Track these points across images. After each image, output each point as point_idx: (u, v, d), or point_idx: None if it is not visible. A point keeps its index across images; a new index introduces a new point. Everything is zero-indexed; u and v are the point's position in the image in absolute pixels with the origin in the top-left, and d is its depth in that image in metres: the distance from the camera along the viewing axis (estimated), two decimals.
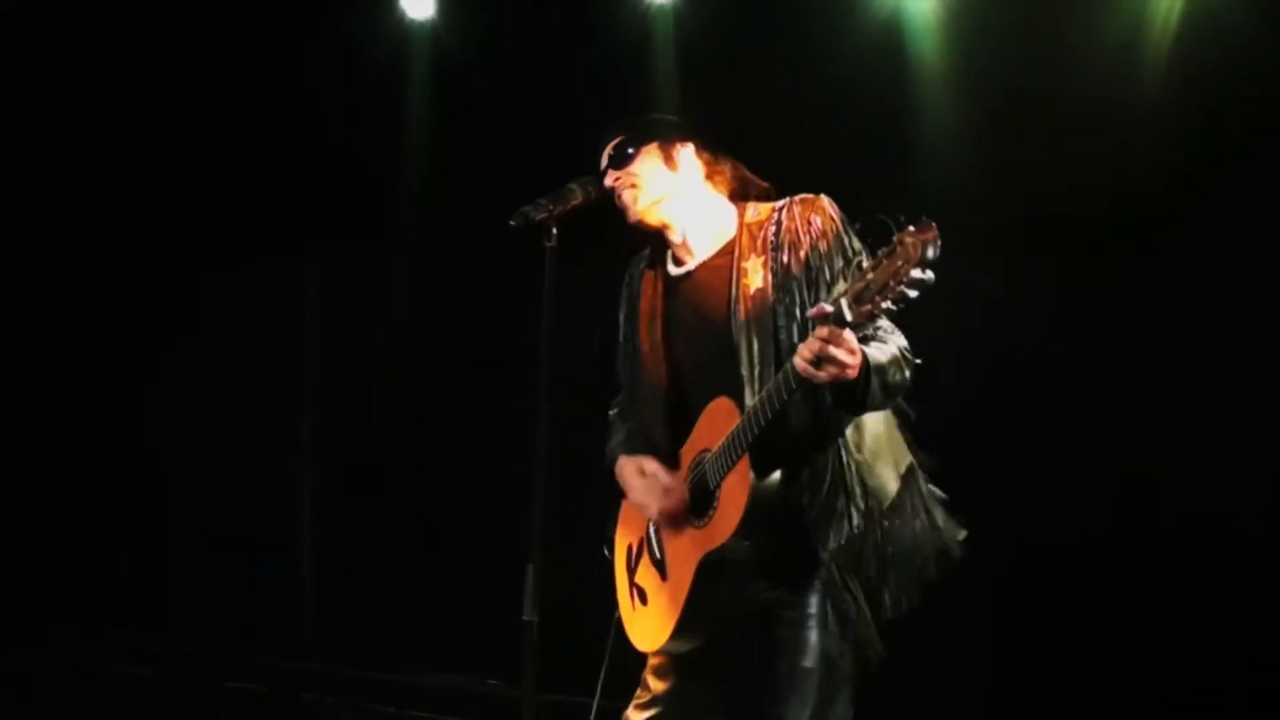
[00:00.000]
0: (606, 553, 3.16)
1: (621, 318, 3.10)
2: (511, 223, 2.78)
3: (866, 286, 2.42)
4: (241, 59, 5.96)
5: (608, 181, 2.93)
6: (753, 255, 2.82)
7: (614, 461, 3.05)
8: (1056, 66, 4.52)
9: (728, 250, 2.88)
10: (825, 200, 2.83)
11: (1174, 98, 4.37)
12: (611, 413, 3.18)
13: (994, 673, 4.63)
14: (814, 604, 2.75)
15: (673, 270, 2.97)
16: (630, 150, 2.92)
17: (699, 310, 2.89)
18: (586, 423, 3.22)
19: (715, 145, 2.99)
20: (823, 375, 2.52)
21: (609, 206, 2.97)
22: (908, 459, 2.83)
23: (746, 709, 2.85)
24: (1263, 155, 4.28)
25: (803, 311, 2.73)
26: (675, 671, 2.95)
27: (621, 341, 3.11)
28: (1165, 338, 4.42)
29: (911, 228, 2.39)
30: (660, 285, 2.98)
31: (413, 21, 5.67)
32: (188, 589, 6.27)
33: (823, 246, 2.77)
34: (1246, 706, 4.26)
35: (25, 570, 6.45)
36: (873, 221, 2.47)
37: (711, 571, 2.76)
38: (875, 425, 2.79)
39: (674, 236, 2.95)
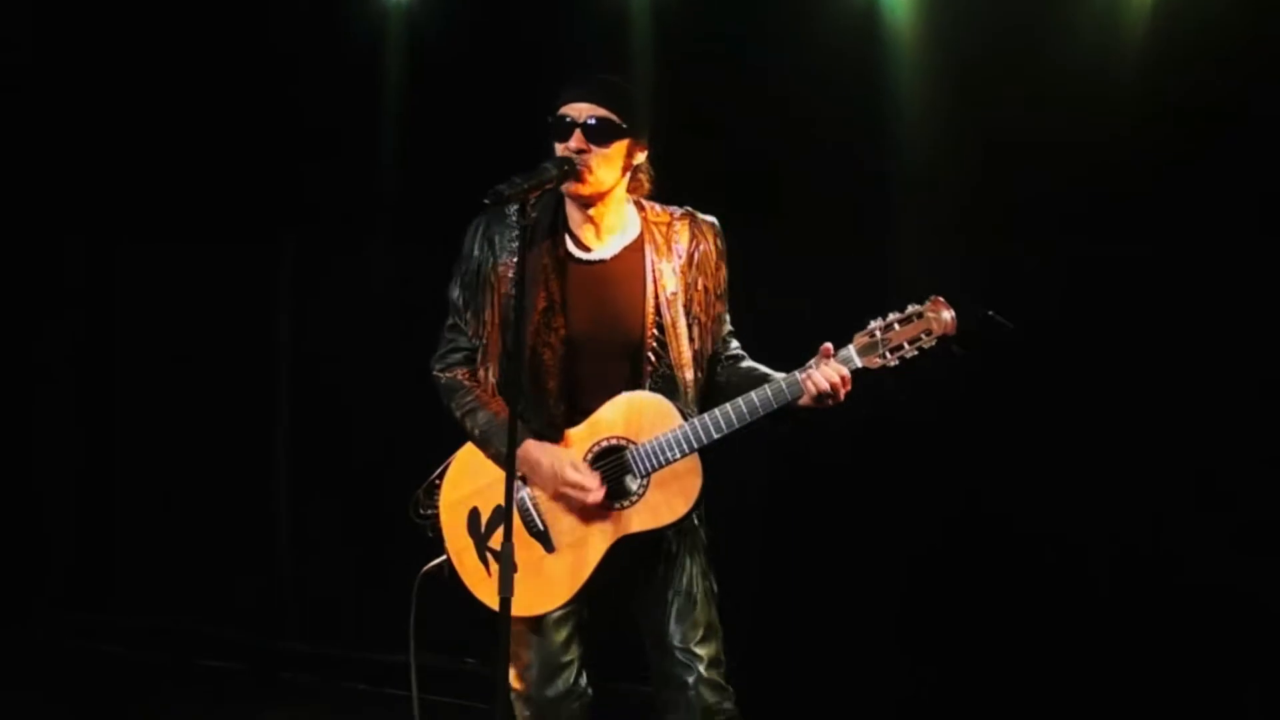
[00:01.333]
0: (415, 518, 3.26)
1: (476, 270, 3.08)
2: (486, 200, 2.80)
3: (881, 341, 2.83)
4: (217, 39, 5.92)
5: (574, 143, 2.93)
6: (663, 258, 3.02)
7: (494, 430, 3.02)
8: (1035, 46, 4.53)
9: (637, 247, 3.04)
10: (718, 224, 3.12)
11: (1153, 75, 4.39)
12: (450, 375, 3.14)
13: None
14: (689, 547, 3.11)
15: (576, 253, 3.04)
16: (609, 134, 2.94)
17: (605, 302, 3.01)
18: None
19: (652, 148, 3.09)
20: (815, 405, 2.87)
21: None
22: None
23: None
24: (1241, 133, 4.30)
25: (699, 313, 3.04)
26: (552, 630, 3.11)
27: (483, 305, 3.08)
28: (1140, 319, 4.45)
29: (929, 301, 2.81)
30: (557, 264, 3.01)
31: (389, 2, 5.64)
32: (163, 566, 6.26)
33: (724, 270, 3.10)
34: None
35: (5, 550, 6.43)
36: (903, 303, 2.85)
37: (625, 548, 2.98)
38: None
39: (589, 220, 3.02)
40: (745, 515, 4.67)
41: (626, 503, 2.96)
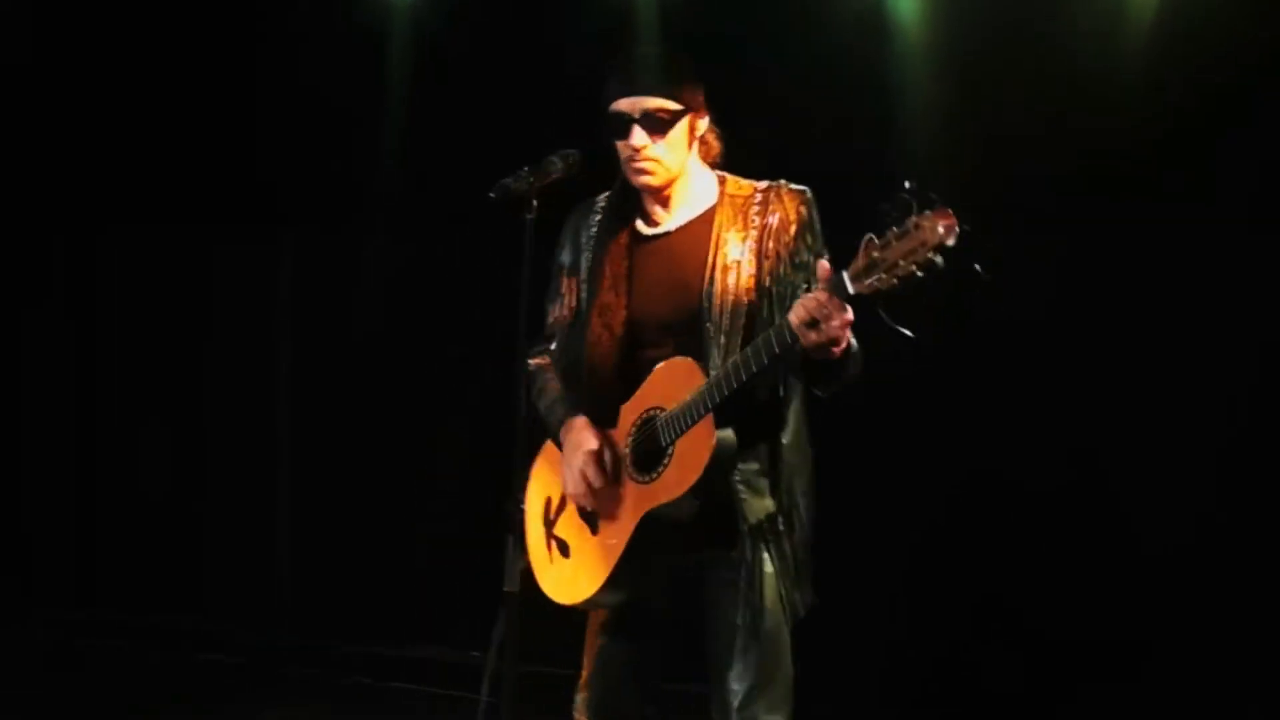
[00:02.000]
0: (512, 510, 3.06)
1: (566, 263, 3.00)
2: (491, 195, 2.76)
3: (873, 263, 2.43)
4: (221, 32, 5.93)
5: (635, 141, 2.80)
6: (733, 228, 2.83)
7: (562, 421, 2.92)
8: (1038, 43, 4.54)
9: (707, 218, 2.87)
10: (810, 194, 2.86)
11: (1158, 68, 4.40)
12: (535, 362, 3.05)
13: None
14: (746, 563, 2.80)
15: (644, 229, 2.92)
16: (667, 122, 2.80)
17: (672, 272, 2.86)
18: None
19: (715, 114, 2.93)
20: (813, 337, 2.53)
21: (588, 179, 2.92)
22: (811, 469, 2.89)
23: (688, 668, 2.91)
24: (1243, 131, 4.31)
25: (776, 289, 2.78)
26: (604, 634, 2.96)
27: (564, 292, 3.01)
28: (1140, 312, 4.46)
29: (929, 211, 2.38)
30: (628, 243, 2.91)
31: None
32: (162, 561, 6.27)
33: (806, 238, 2.82)
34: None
35: (1, 546, 6.43)
36: (895, 199, 2.43)
37: (653, 527, 2.79)
38: (798, 422, 2.86)
39: (660, 198, 2.90)
40: None
41: (653, 475, 2.78)
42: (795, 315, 2.55)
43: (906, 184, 2.42)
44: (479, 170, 3.02)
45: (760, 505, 2.82)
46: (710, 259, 2.82)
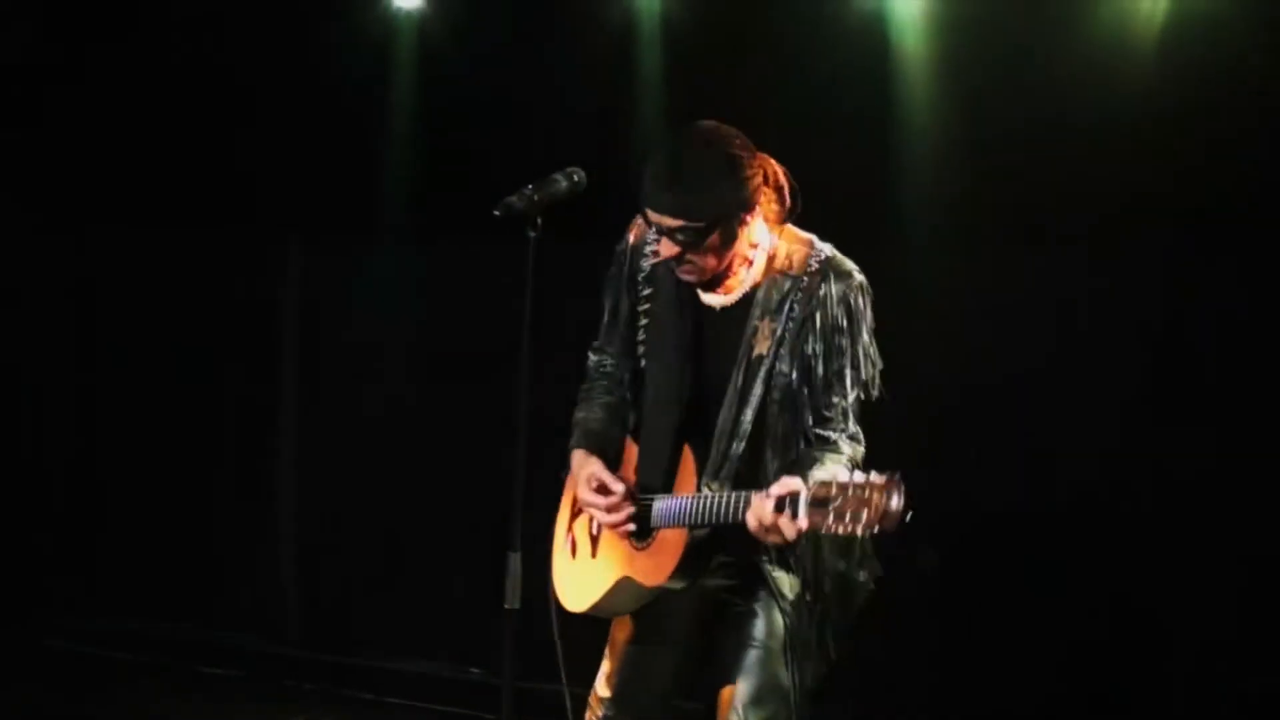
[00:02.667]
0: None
1: (619, 301, 2.98)
2: (496, 212, 2.76)
3: (826, 502, 2.41)
4: (229, 42, 5.95)
5: (664, 251, 2.73)
6: (767, 316, 2.76)
7: (572, 445, 2.96)
8: (1041, 64, 4.55)
9: (749, 299, 2.80)
10: (860, 281, 2.77)
11: (1159, 95, 4.40)
12: (593, 358, 3.06)
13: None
14: (765, 587, 2.82)
15: (704, 296, 2.85)
16: (698, 238, 2.70)
17: (709, 351, 2.84)
18: (569, 410, 3.22)
19: (770, 173, 2.80)
20: (766, 537, 2.57)
21: (591, 196, 2.90)
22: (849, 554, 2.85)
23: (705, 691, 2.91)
24: (1246, 151, 4.32)
25: (795, 392, 2.74)
26: (626, 641, 2.98)
27: (618, 327, 3.00)
28: (1147, 334, 4.47)
29: (883, 479, 2.37)
30: (689, 305, 2.85)
31: (400, 10, 5.66)
32: (166, 572, 6.27)
33: (841, 339, 2.75)
34: None
35: (4, 554, 6.42)
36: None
37: (627, 588, 2.84)
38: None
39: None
40: None
41: (640, 545, 2.84)
42: (753, 516, 2.55)
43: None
44: (486, 183, 3.03)
45: (788, 583, 2.82)
46: (741, 351, 2.77)
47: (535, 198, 2.78)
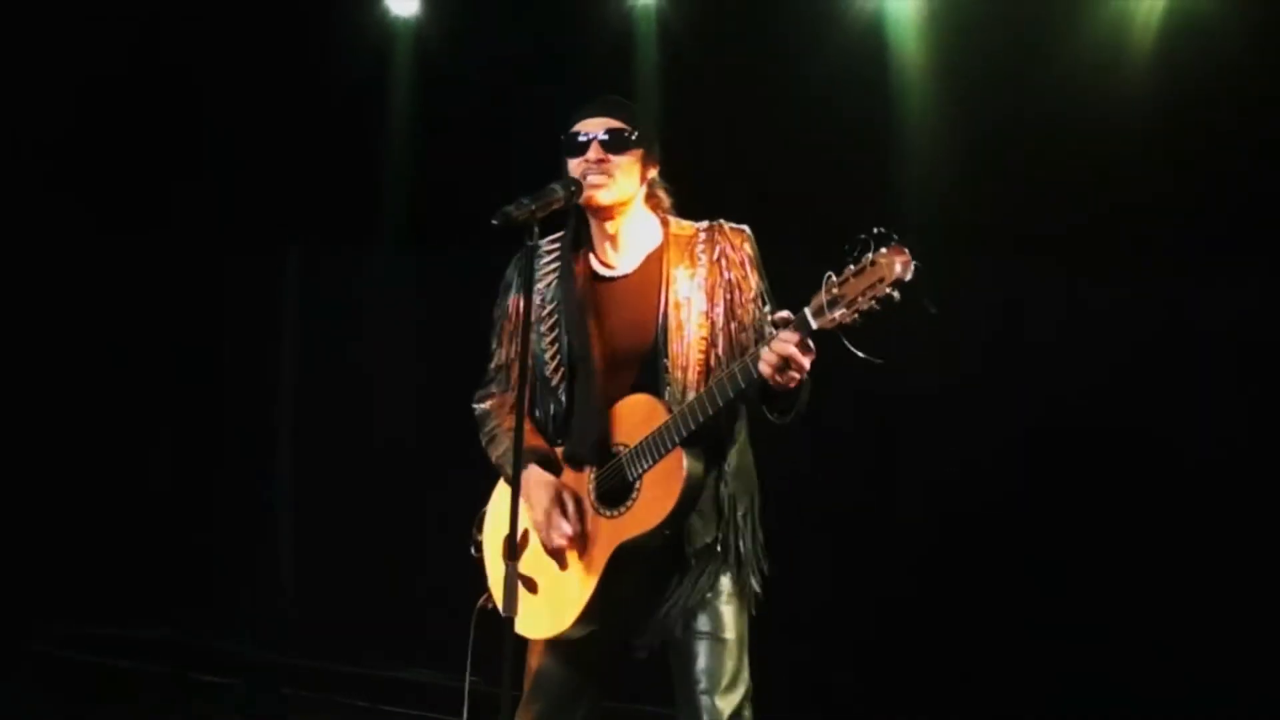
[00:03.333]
0: (474, 552, 3.18)
1: (513, 306, 3.10)
2: (494, 221, 2.78)
3: (834, 299, 2.60)
4: (227, 53, 5.95)
5: (593, 154, 2.95)
6: (680, 265, 2.99)
7: (510, 466, 2.95)
8: (1038, 67, 4.55)
9: (656, 258, 3.02)
10: (750, 232, 3.04)
11: (1155, 98, 4.41)
12: (484, 405, 3.19)
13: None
14: (713, 583, 2.95)
15: (601, 271, 3.05)
16: (624, 144, 2.97)
17: (625, 314, 2.99)
18: None
19: (664, 170, 3.09)
20: (781, 378, 2.70)
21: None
22: (756, 492, 3.04)
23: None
24: (1247, 150, 4.32)
25: (726, 321, 2.95)
26: (544, 658, 3.04)
27: (512, 333, 3.12)
28: (1147, 342, 4.47)
29: (884, 249, 2.57)
30: (585, 283, 3.03)
31: (397, 18, 5.67)
32: (165, 580, 6.27)
33: (751, 275, 2.99)
34: None
35: (5, 563, 6.41)
36: (854, 240, 2.59)
37: (625, 558, 2.90)
38: (744, 452, 3.02)
39: (608, 237, 3.04)
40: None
41: (622, 509, 2.91)
42: (767, 360, 2.70)
43: (876, 229, 2.59)
44: (485, 190, 3.04)
45: (705, 532, 2.96)
46: (663, 296, 2.97)
47: (533, 207, 2.81)
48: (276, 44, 5.86)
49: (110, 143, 6.24)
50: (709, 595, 2.94)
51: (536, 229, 2.82)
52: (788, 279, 3.19)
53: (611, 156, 2.96)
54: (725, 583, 2.96)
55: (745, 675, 2.95)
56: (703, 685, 2.90)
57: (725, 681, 2.91)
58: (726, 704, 2.90)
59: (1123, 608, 4.49)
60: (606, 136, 2.97)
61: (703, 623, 2.93)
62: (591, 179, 2.95)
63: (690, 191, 3.19)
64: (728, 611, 2.95)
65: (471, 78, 5.52)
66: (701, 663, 2.92)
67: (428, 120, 5.68)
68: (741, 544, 2.99)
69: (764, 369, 2.70)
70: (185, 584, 6.22)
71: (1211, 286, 4.43)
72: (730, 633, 2.94)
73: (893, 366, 2.69)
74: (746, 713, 2.93)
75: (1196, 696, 4.34)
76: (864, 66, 4.78)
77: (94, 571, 6.49)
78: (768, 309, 2.94)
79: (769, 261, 3.08)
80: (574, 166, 2.98)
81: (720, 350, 2.95)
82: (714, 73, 5.00)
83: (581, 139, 2.98)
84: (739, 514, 2.99)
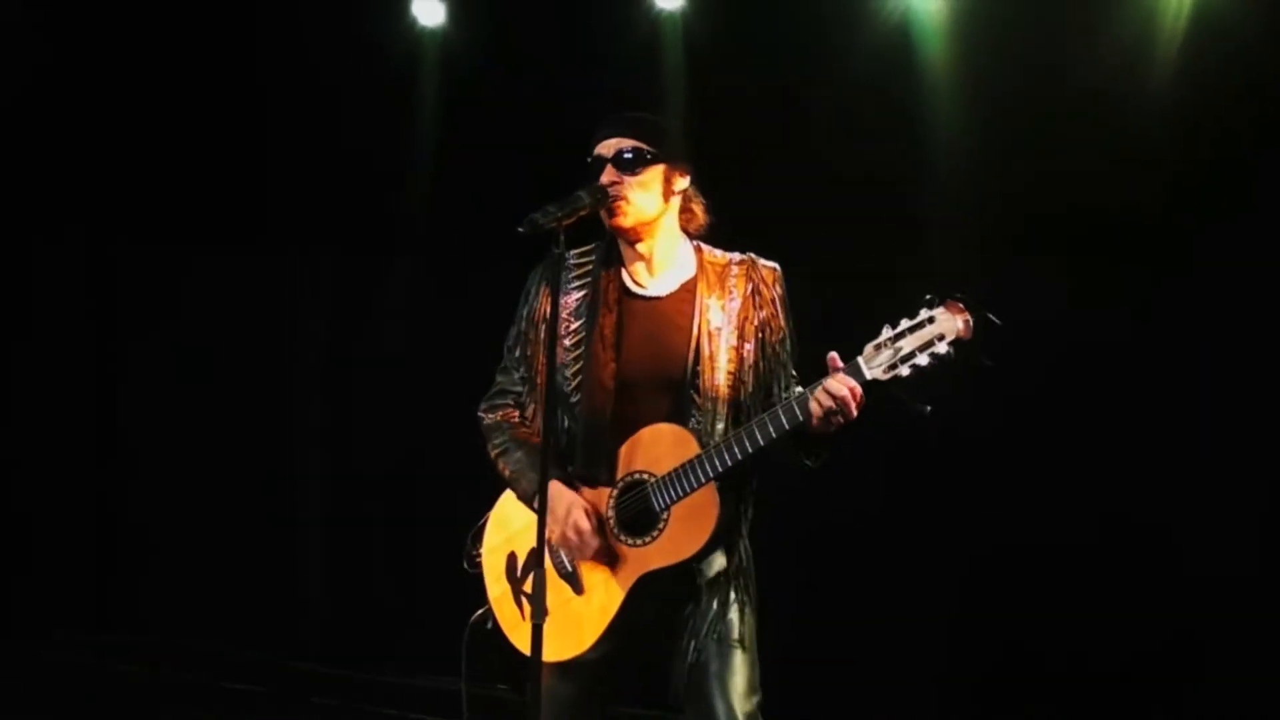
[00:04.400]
0: (469, 568, 3.16)
1: (533, 315, 3.08)
2: (521, 229, 2.78)
3: (892, 350, 2.64)
4: (254, 63, 5.99)
5: (605, 178, 2.95)
6: (713, 295, 2.98)
7: (535, 484, 2.91)
8: (1065, 66, 4.53)
9: (690, 286, 3.01)
10: (781, 272, 3.04)
11: (1183, 97, 4.38)
12: (493, 416, 3.14)
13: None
14: (725, 598, 2.96)
15: (634, 288, 3.03)
16: (638, 163, 2.95)
17: (657, 339, 2.97)
18: None
19: (699, 180, 3.07)
20: (824, 422, 2.72)
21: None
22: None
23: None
24: (1273, 157, 4.29)
25: (757, 360, 2.96)
26: (564, 679, 3.01)
27: (530, 343, 3.09)
28: (1170, 342, 4.43)
29: (942, 307, 2.61)
30: (617, 298, 3.01)
31: (424, 28, 5.68)
32: (187, 587, 6.29)
33: (780, 316, 3.01)
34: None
35: (20, 569, 6.45)
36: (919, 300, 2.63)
37: (647, 587, 2.89)
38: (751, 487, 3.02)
39: (641, 257, 3.02)
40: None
41: (648, 538, 2.89)
42: (818, 401, 2.71)
43: (930, 295, 2.62)
44: (509, 196, 3.05)
45: (716, 560, 2.97)
46: (695, 325, 2.96)
47: (560, 215, 2.80)
48: (303, 54, 5.89)
49: (129, 150, 6.28)
50: (721, 609, 2.95)
51: (563, 237, 2.81)
52: (816, 283, 3.20)
53: (625, 177, 2.95)
54: (735, 595, 2.97)
55: (758, 682, 2.96)
56: (719, 692, 2.90)
57: (743, 687, 2.92)
58: (744, 709, 2.91)
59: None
60: (618, 157, 2.95)
61: (717, 633, 2.93)
62: (612, 203, 2.94)
63: (716, 201, 3.18)
64: (739, 621, 2.96)
65: (498, 86, 5.53)
66: (717, 669, 2.92)
67: (454, 129, 5.69)
68: (748, 566, 3.02)
69: (814, 408, 2.71)
70: (210, 592, 6.24)
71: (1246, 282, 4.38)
72: (744, 641, 2.95)
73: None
74: (759, 716, 2.94)
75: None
76: (891, 65, 4.76)
77: (116, 580, 6.53)
78: (790, 355, 2.99)
79: (798, 268, 3.09)
80: None
81: (749, 388, 2.96)
82: (740, 81, 4.99)
83: (598, 160, 2.98)
84: (743, 545, 3.01)
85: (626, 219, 2.96)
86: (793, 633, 3.20)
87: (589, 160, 3.00)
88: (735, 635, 2.95)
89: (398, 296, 5.96)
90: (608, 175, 2.95)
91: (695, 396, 2.92)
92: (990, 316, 2.59)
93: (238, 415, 6.31)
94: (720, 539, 2.91)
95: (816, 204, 4.74)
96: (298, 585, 6.16)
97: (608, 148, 2.98)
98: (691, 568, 2.95)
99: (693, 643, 2.94)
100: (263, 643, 6.08)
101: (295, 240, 6.12)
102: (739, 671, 2.93)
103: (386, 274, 5.98)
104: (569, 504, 2.92)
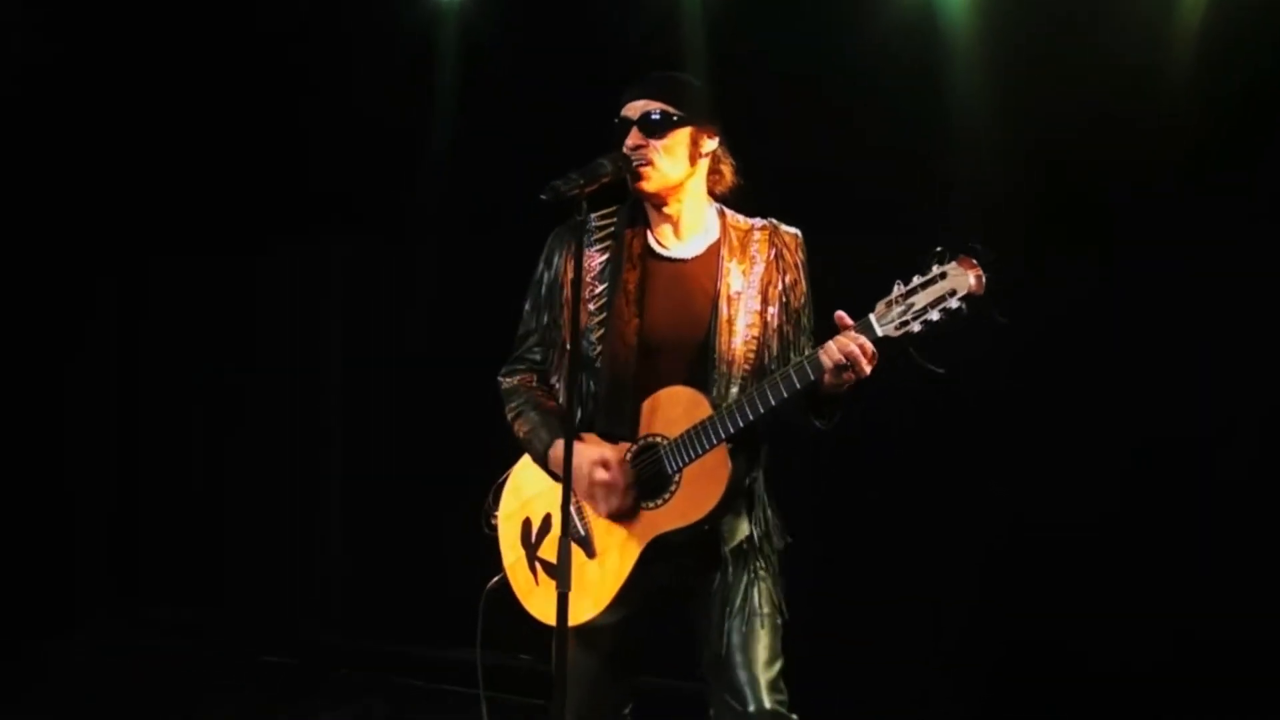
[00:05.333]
0: (487, 530, 3.18)
1: (554, 280, 3.08)
2: (543, 197, 2.78)
3: (903, 308, 2.61)
4: (267, 44, 5.98)
5: (630, 141, 2.93)
6: (734, 259, 2.98)
7: (548, 443, 3.00)
8: (1088, 41, 4.50)
9: (714, 250, 3.01)
10: (802, 238, 3.05)
11: (1209, 67, 4.34)
12: (512, 380, 3.14)
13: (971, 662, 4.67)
14: (732, 580, 2.98)
15: (659, 250, 3.02)
16: (665, 126, 2.94)
17: (681, 301, 2.98)
18: None
19: (727, 140, 3.06)
20: (836, 379, 2.71)
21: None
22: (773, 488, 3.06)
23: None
24: None
25: (780, 324, 2.97)
26: (584, 648, 3.03)
27: (548, 308, 3.09)
28: (1196, 314, 4.40)
29: (955, 262, 2.58)
30: (640, 256, 3.00)
31: (441, 3, 5.67)
32: (217, 562, 6.34)
33: (802, 282, 3.01)
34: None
35: (53, 551, 6.50)
36: (928, 250, 2.61)
37: (658, 550, 2.91)
38: (767, 451, 3.04)
39: (667, 220, 3.02)
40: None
41: (659, 501, 2.90)
42: (829, 357, 2.70)
43: (939, 248, 2.60)
44: (526, 178, 3.04)
45: (739, 530, 2.98)
46: (719, 288, 2.95)
47: (582, 183, 2.80)
48: (317, 31, 5.89)
49: (144, 138, 6.29)
50: (746, 580, 2.97)
51: (585, 205, 2.81)
52: (832, 255, 3.19)
53: (651, 140, 2.93)
54: (758, 565, 2.99)
55: (779, 650, 2.98)
56: (742, 662, 2.93)
57: (765, 656, 2.94)
58: (766, 677, 2.93)
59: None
60: (644, 120, 2.93)
61: (741, 605, 2.95)
62: (630, 167, 2.93)
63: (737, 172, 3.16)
64: (762, 592, 2.98)
65: (517, 64, 5.51)
66: (739, 640, 2.94)
67: (473, 109, 5.67)
68: (772, 535, 3.03)
69: (825, 361, 2.69)
70: (239, 566, 6.28)
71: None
72: (767, 611, 2.97)
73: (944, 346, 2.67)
74: (783, 684, 2.96)
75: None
76: (915, 36, 4.73)
77: (147, 555, 6.58)
78: (808, 320, 2.99)
79: (816, 239, 3.08)
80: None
81: (774, 352, 2.96)
82: (761, 49, 4.97)
83: (621, 124, 2.97)
84: (767, 508, 3.03)
85: (651, 183, 2.96)
86: (809, 608, 3.18)
87: (615, 121, 2.99)
88: (758, 606, 2.96)
89: (418, 276, 5.96)
90: (633, 139, 2.94)
91: (714, 359, 2.93)
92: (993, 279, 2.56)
93: (267, 395, 6.34)
94: (732, 502, 2.92)
95: (838, 172, 4.72)
96: (328, 558, 6.19)
97: (634, 110, 2.96)
98: (714, 536, 2.96)
99: (720, 616, 2.96)
100: (292, 616, 6.11)
101: (314, 223, 6.11)
102: (761, 641, 2.95)
103: (404, 257, 5.98)
104: (589, 460, 2.92)
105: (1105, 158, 4.45)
